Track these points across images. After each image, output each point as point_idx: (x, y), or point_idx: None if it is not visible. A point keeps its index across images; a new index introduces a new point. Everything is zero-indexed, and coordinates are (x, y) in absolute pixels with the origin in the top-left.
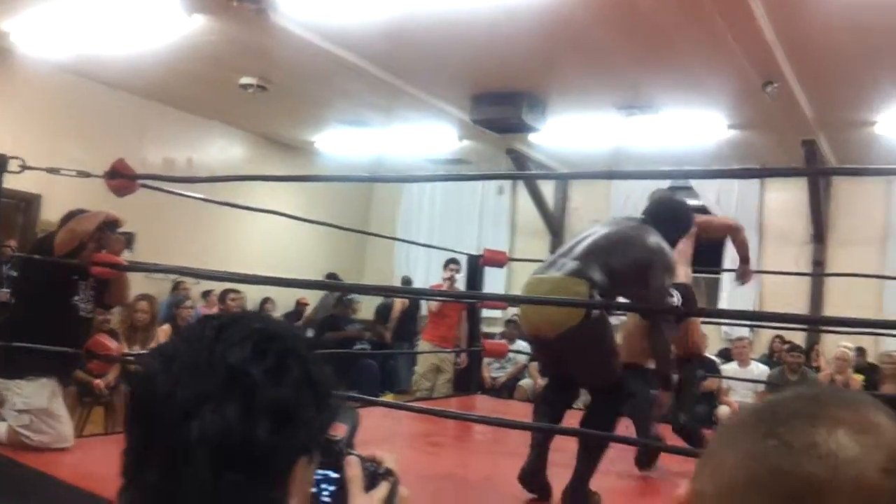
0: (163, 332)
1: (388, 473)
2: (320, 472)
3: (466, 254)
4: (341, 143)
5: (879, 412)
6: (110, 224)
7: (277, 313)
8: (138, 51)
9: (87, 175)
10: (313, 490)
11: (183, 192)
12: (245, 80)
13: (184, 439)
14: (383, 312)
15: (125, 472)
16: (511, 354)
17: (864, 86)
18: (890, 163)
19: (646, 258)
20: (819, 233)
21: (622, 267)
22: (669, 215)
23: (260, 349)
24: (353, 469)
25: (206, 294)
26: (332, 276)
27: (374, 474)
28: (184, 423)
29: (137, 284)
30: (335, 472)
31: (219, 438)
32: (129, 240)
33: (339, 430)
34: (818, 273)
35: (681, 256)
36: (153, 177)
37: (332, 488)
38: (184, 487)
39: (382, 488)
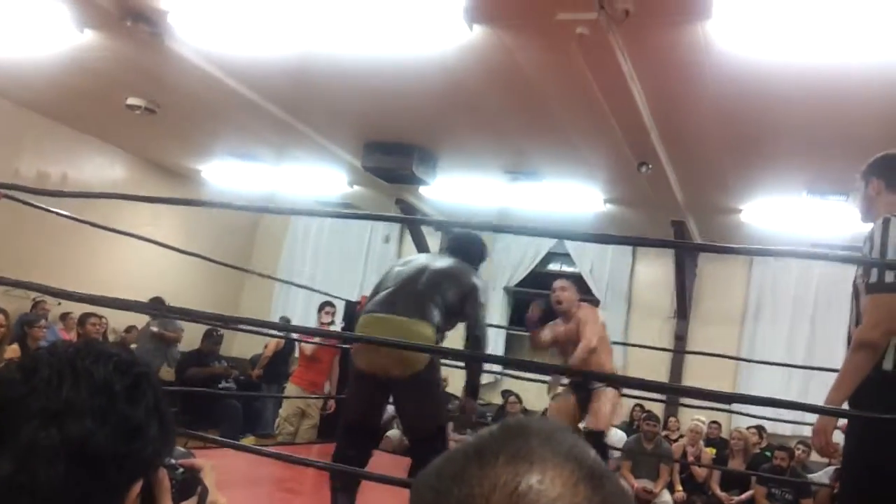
0: (11, 351)
1: (198, 483)
2: None
3: (344, 299)
4: (230, 174)
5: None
6: None
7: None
8: (23, 58)
9: None
10: None
11: (48, 208)
12: (133, 100)
13: (43, 440)
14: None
15: None
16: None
17: (731, 175)
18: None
19: (468, 292)
20: (683, 309)
21: (452, 301)
22: (473, 249)
23: (120, 369)
24: (163, 480)
25: (64, 316)
26: (156, 299)
27: (185, 483)
28: (45, 427)
29: None
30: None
31: (77, 444)
32: None
33: None
34: (678, 350)
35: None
36: (17, 188)
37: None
38: (36, 483)
39: (192, 500)
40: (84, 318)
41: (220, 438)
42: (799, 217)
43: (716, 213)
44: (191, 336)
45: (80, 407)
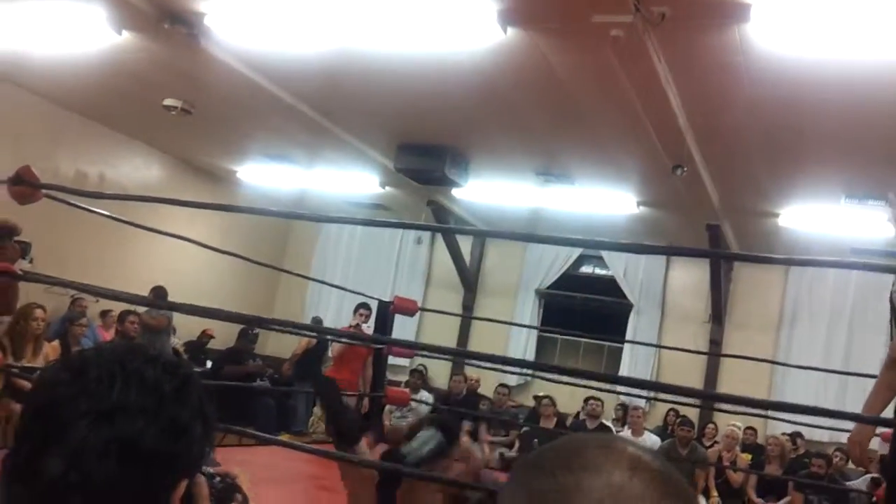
0: (51, 349)
1: (237, 489)
2: None
3: (378, 299)
4: (264, 175)
5: (626, 444)
6: (7, 231)
7: (179, 341)
8: (63, 59)
9: None
10: None
11: (88, 207)
12: (169, 101)
13: (95, 439)
14: None
15: (16, 470)
16: (413, 404)
17: (768, 179)
18: (790, 253)
19: None
20: (718, 314)
21: None
22: None
23: (169, 370)
24: (201, 488)
25: (104, 314)
26: (158, 289)
27: (224, 491)
28: (96, 426)
29: (35, 298)
30: None
31: (128, 442)
32: (24, 249)
33: None
34: (714, 353)
35: None
36: (58, 188)
37: None
38: (88, 481)
39: None
40: (123, 315)
41: (257, 433)
42: (837, 221)
43: (752, 216)
44: (226, 335)
45: (131, 407)
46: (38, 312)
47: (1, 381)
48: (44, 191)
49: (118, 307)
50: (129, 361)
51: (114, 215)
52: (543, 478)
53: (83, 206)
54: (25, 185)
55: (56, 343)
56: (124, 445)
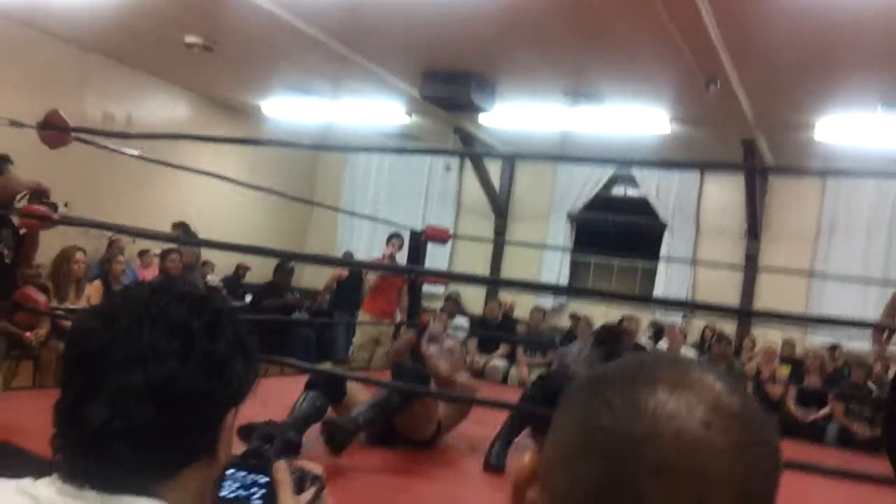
0: (93, 289)
1: (316, 479)
2: (251, 476)
3: (409, 229)
4: (289, 109)
5: (703, 371)
6: (38, 193)
7: (216, 277)
8: (83, 1)
9: (19, 125)
10: (244, 494)
11: (118, 149)
12: (190, 38)
13: (132, 385)
14: None
15: (61, 418)
16: (450, 330)
17: (803, 91)
18: (827, 166)
19: None
20: (754, 229)
21: None
22: None
23: (196, 307)
24: (282, 473)
25: (142, 254)
26: (181, 224)
27: (302, 479)
28: (130, 370)
29: (72, 240)
30: (265, 476)
31: (163, 385)
32: (55, 208)
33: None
34: (750, 267)
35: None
36: (87, 130)
37: (262, 492)
38: (132, 425)
39: (309, 492)
40: (165, 254)
41: (299, 362)
42: (874, 131)
43: (787, 130)
44: (262, 269)
45: (161, 350)
46: (79, 255)
47: (47, 324)
48: (73, 134)
49: (155, 246)
50: (156, 303)
51: (144, 155)
52: (603, 408)
53: (113, 147)
54: (55, 130)
55: (98, 283)
56: (160, 389)
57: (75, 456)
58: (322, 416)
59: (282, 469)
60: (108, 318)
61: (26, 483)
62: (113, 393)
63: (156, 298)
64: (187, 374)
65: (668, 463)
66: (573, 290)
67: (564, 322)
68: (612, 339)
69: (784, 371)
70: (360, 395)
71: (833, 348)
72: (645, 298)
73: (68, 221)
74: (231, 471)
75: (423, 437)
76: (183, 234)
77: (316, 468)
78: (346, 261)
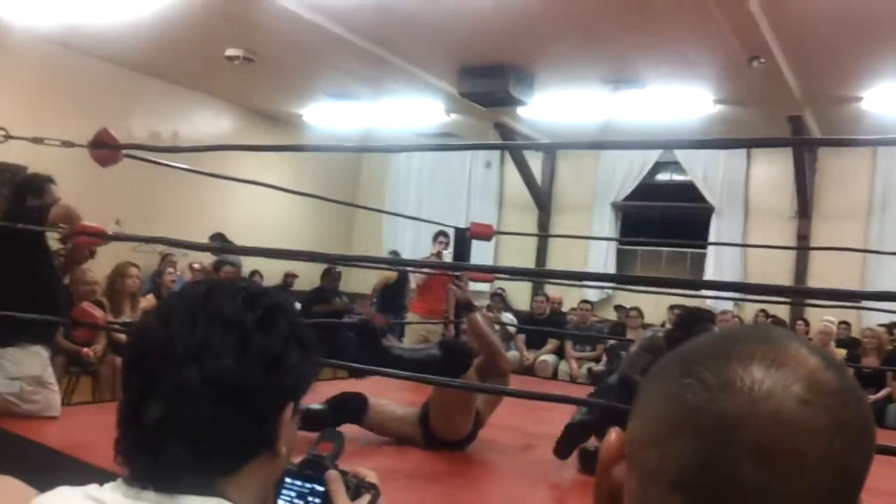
0: (147, 301)
1: (371, 487)
2: (307, 485)
3: (454, 227)
4: (329, 115)
5: (798, 345)
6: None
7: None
8: (124, 21)
9: (70, 145)
10: (300, 503)
11: (168, 163)
12: (231, 51)
13: (187, 382)
14: None
15: (124, 419)
16: (497, 327)
17: (850, 61)
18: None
19: None
20: (804, 208)
21: None
22: None
23: (250, 303)
24: (336, 483)
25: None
26: (218, 235)
27: (358, 487)
28: (185, 367)
29: (124, 258)
30: (320, 485)
31: (218, 382)
32: (91, 252)
33: (326, 449)
34: (803, 247)
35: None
36: (137, 147)
37: (317, 500)
38: (187, 422)
39: (364, 499)
40: (219, 264)
41: (352, 364)
42: None
43: (835, 103)
44: (309, 276)
45: (216, 346)
46: (133, 270)
47: (104, 339)
48: (123, 151)
49: (206, 258)
50: (210, 300)
51: (192, 168)
52: (697, 387)
53: (162, 161)
54: (106, 148)
55: (151, 297)
56: (215, 385)
57: (135, 457)
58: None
59: (335, 478)
60: (164, 318)
61: (92, 488)
62: (168, 391)
63: (210, 295)
64: (242, 370)
65: (765, 444)
66: (619, 277)
67: (612, 314)
68: (694, 323)
69: (841, 353)
70: (388, 407)
71: (891, 327)
72: (691, 283)
73: (120, 238)
74: (288, 479)
75: (461, 435)
76: (222, 244)
77: (371, 476)
78: (394, 259)
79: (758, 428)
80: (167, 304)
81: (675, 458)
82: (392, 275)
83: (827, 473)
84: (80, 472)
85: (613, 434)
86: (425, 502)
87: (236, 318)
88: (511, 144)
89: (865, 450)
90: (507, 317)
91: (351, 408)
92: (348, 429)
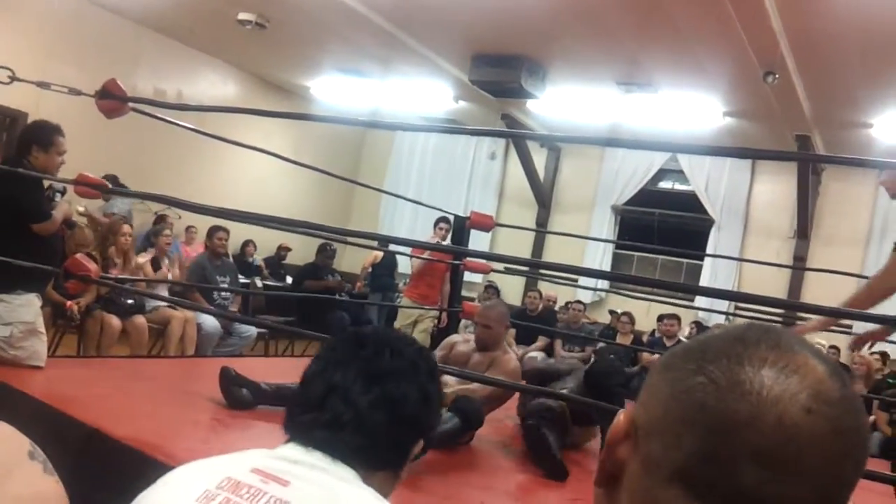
0: (143, 259)
1: None
2: None
3: (454, 214)
4: (337, 90)
5: (808, 353)
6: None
7: (258, 257)
8: None
9: (78, 93)
10: None
11: (174, 121)
12: (244, 15)
13: (371, 396)
14: None
15: (314, 401)
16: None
17: (864, 86)
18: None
19: None
20: (804, 229)
21: None
22: None
23: (423, 354)
24: None
25: (187, 230)
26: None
27: None
28: (370, 386)
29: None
30: None
31: (395, 400)
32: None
33: None
34: (797, 266)
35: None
36: (145, 101)
37: None
38: (362, 423)
39: None
40: (212, 231)
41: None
42: None
43: (844, 127)
44: (305, 251)
45: (398, 373)
46: (125, 227)
47: (92, 294)
48: (130, 104)
49: (200, 223)
50: (395, 342)
51: (196, 128)
52: (708, 386)
53: (168, 119)
54: (113, 99)
55: (148, 255)
56: (392, 402)
57: (312, 430)
58: None
59: None
60: (359, 344)
61: (273, 451)
62: (353, 396)
63: (395, 339)
64: (414, 398)
65: (766, 447)
66: (614, 276)
67: (604, 317)
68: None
69: None
70: None
71: (882, 356)
72: (686, 287)
73: (116, 192)
74: None
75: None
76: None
77: None
78: (394, 239)
79: (762, 431)
80: (361, 333)
81: (679, 451)
82: (378, 254)
83: (822, 479)
84: (62, 425)
85: (621, 415)
86: (425, 497)
87: (413, 360)
88: (520, 133)
89: (860, 459)
90: None
91: None
92: None
